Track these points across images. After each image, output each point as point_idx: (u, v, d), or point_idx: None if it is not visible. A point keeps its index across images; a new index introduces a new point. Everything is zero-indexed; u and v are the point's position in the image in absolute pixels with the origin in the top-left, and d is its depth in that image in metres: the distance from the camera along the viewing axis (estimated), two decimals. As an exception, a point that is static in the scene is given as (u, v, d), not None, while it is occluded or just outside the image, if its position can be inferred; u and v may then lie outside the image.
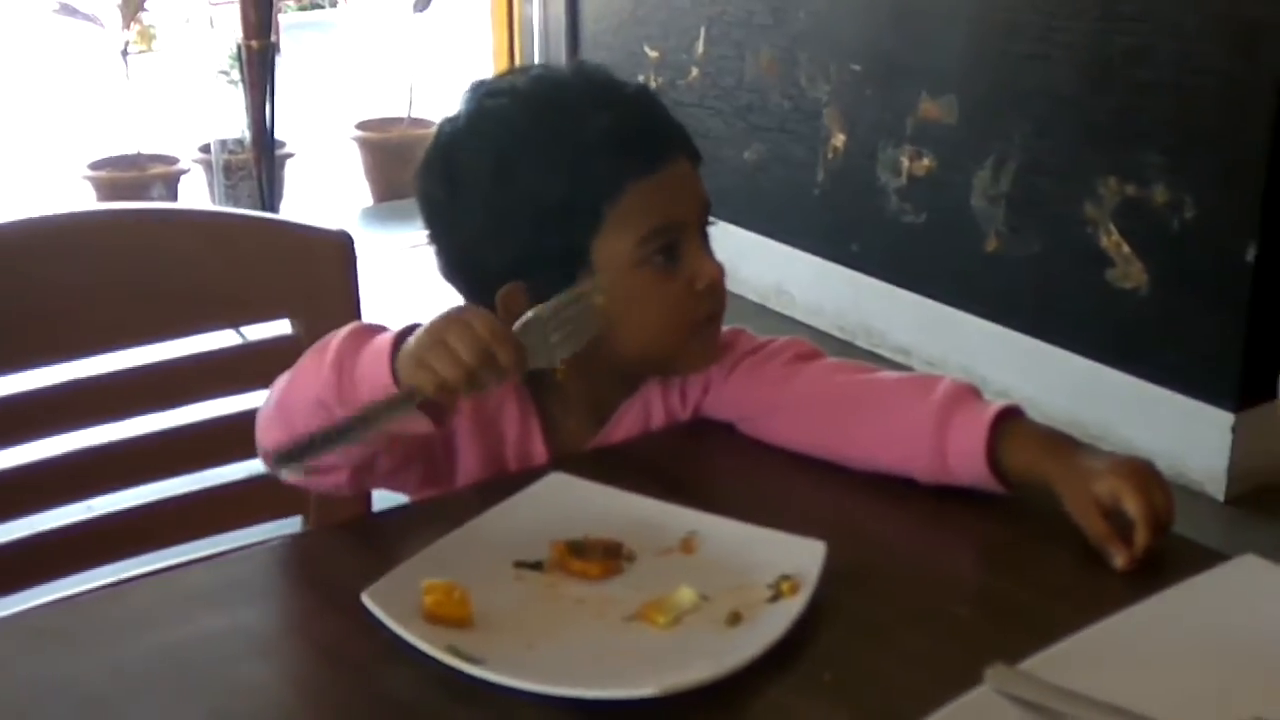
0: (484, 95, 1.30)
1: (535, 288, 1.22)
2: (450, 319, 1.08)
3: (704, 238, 1.30)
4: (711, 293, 1.28)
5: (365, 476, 1.23)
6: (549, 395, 1.31)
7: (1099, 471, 1.12)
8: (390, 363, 1.09)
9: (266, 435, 1.19)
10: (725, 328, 1.36)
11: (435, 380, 1.06)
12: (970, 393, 1.23)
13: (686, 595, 1.04)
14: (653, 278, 1.26)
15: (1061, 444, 1.18)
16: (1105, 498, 1.11)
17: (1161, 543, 1.09)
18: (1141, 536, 1.09)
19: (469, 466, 1.29)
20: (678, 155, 1.28)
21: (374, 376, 1.10)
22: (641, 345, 1.28)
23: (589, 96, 1.28)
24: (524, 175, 1.24)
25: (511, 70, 1.46)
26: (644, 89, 1.34)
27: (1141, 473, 1.11)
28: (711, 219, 1.31)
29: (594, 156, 1.23)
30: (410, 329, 1.11)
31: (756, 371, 1.32)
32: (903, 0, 3.58)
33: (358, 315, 1.51)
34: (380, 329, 1.15)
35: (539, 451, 1.30)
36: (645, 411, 1.34)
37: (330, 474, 1.19)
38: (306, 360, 1.18)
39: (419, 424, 1.11)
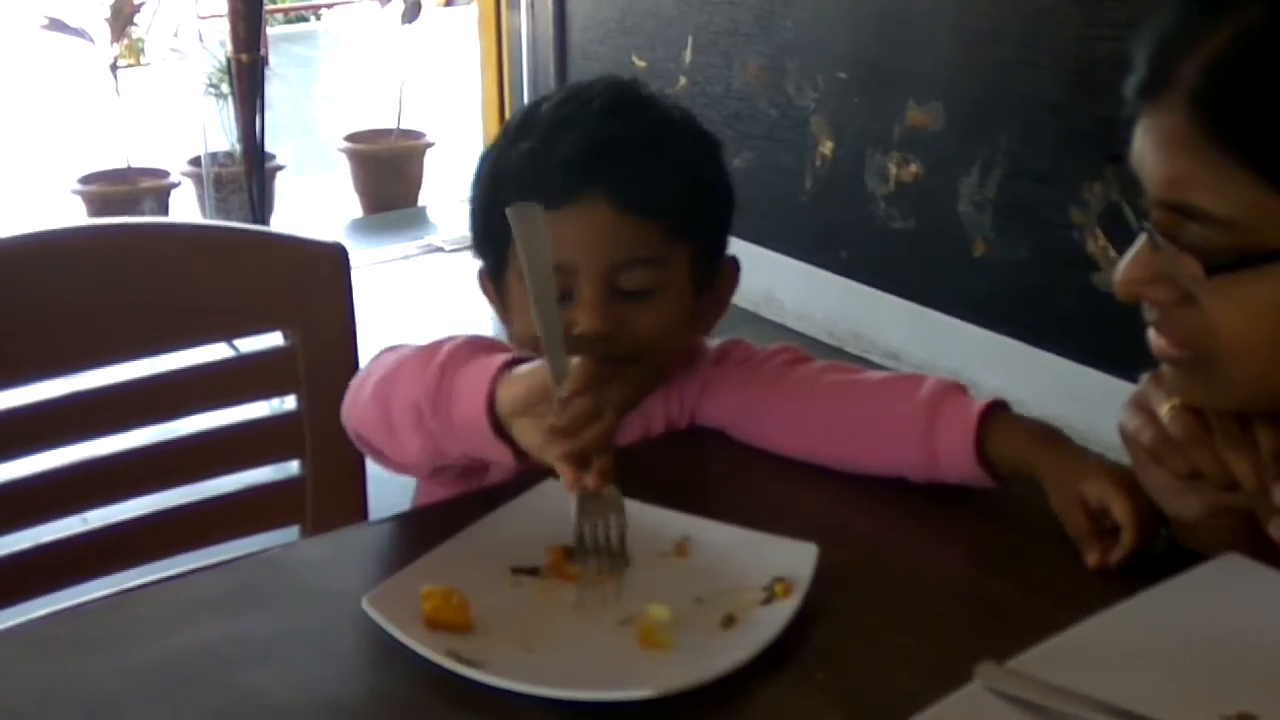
0: None
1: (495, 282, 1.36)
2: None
3: (608, 290, 1.25)
4: (584, 343, 1.21)
5: (441, 471, 1.24)
6: None
7: (1089, 471, 1.13)
8: (490, 386, 1.08)
9: (362, 419, 1.21)
10: (723, 338, 1.39)
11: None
12: (957, 388, 1.25)
13: (659, 612, 1.03)
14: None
15: (1049, 436, 1.20)
16: (1092, 499, 1.12)
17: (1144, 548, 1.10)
18: (1129, 540, 1.10)
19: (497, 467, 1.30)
20: (592, 199, 1.25)
21: (472, 393, 1.10)
22: None
23: (544, 119, 1.30)
24: (476, 188, 1.35)
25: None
26: (609, 121, 1.28)
27: (1130, 480, 1.12)
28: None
29: (505, 181, 1.30)
30: (519, 359, 1.10)
31: (749, 375, 1.34)
32: (888, 9, 3.60)
33: (352, 327, 1.52)
34: (495, 346, 1.15)
35: None
36: (645, 420, 1.35)
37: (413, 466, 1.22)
38: (414, 355, 1.17)
39: (504, 455, 1.11)
